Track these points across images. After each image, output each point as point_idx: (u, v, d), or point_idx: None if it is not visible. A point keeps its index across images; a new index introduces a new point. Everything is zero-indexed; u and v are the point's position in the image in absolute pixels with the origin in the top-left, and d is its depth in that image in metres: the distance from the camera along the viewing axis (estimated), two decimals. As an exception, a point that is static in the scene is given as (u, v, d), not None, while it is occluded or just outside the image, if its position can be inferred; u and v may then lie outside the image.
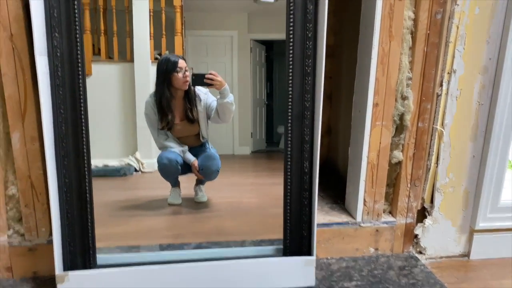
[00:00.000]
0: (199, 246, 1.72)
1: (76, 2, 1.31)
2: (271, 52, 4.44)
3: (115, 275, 1.42)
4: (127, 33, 3.10)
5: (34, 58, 1.28)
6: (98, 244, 1.47)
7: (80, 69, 1.34)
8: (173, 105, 2.27)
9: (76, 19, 1.32)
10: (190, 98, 2.29)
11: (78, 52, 1.33)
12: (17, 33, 1.36)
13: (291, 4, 1.40)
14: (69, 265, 1.41)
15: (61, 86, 1.33)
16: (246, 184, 3.00)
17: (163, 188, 2.46)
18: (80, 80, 1.35)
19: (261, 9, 3.51)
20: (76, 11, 1.31)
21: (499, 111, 1.66)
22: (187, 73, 2.21)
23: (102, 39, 3.13)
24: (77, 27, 1.32)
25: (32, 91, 1.41)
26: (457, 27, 1.60)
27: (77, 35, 1.32)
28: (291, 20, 1.41)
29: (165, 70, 2.19)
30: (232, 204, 2.47)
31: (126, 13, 3.05)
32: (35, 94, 1.40)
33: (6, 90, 1.39)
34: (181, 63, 2.19)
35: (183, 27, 3.09)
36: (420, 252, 1.85)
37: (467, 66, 1.65)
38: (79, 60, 1.34)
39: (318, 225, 1.69)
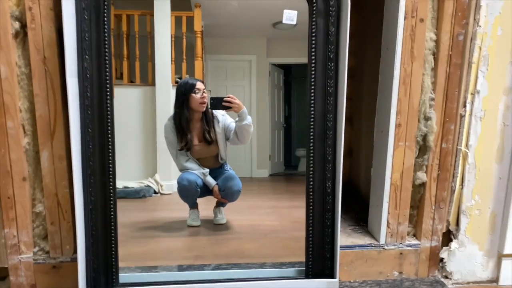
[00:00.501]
0: (218, 268, 1.71)
1: (106, 26, 1.36)
2: (289, 76, 4.49)
3: (137, 295, 1.42)
4: (149, 58, 3.19)
5: (65, 80, 1.33)
6: (119, 265, 1.48)
7: (108, 90, 1.38)
8: (191, 126, 2.32)
9: (106, 42, 1.37)
10: (208, 120, 2.34)
11: (107, 73, 1.37)
12: (50, 56, 1.42)
13: (313, 27, 1.43)
14: (92, 283, 1.42)
15: (90, 106, 1.37)
16: (266, 207, 2.99)
17: (182, 210, 2.47)
18: (108, 101, 1.39)
19: (280, 34, 3.58)
20: (106, 34, 1.36)
21: (525, 132, 1.64)
22: (204, 95, 2.26)
23: (125, 63, 3.22)
24: (106, 50, 1.37)
25: (61, 112, 1.45)
26: (480, 48, 1.60)
27: (106, 58, 1.37)
28: (313, 42, 1.44)
29: (184, 92, 2.25)
30: (252, 227, 2.46)
31: (148, 38, 3.15)
32: (64, 115, 1.45)
33: (38, 111, 1.44)
34: (199, 85, 2.26)
35: (203, 52, 3.17)
36: (446, 277, 1.79)
37: (491, 86, 1.64)
38: (108, 82, 1.38)
39: (341, 247, 1.66)
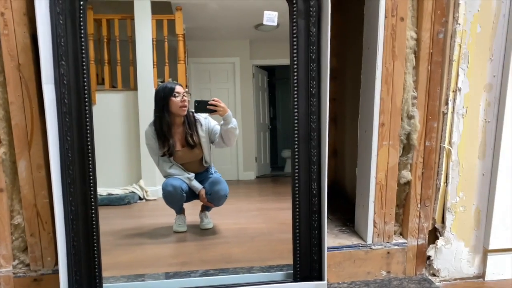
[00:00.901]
0: (206, 274, 1.69)
1: (82, 31, 1.33)
2: (273, 77, 4.49)
3: (122, 305, 1.39)
4: (130, 62, 3.15)
5: (41, 87, 1.29)
6: (103, 274, 1.44)
7: (86, 96, 1.35)
8: (173, 131, 2.28)
9: (83, 47, 1.33)
10: (190, 123, 2.30)
11: (85, 79, 1.34)
12: (25, 62, 1.38)
13: (294, 28, 1.42)
14: (75, 296, 1.38)
15: (67, 113, 1.33)
16: (252, 209, 2.97)
17: (167, 216, 2.44)
18: (87, 107, 1.35)
19: (262, 36, 3.57)
20: (82, 40, 1.33)
21: (506, 128, 1.65)
22: (185, 98, 2.22)
23: (106, 68, 3.18)
24: (84, 55, 1.34)
25: (38, 119, 1.41)
26: (460, 46, 1.61)
27: (84, 63, 1.34)
28: (295, 43, 1.43)
29: (163, 96, 2.22)
30: (239, 230, 2.44)
31: (129, 42, 3.11)
32: (42, 122, 1.41)
33: (14, 119, 1.40)
34: (178, 88, 2.22)
35: (186, 55, 3.14)
36: (434, 274, 1.80)
37: (472, 84, 1.65)
38: (86, 88, 1.34)
39: (328, 248, 1.65)
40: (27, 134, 1.41)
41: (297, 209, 1.51)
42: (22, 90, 1.39)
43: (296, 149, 1.48)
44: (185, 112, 2.26)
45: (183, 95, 2.22)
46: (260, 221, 2.66)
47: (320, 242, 1.52)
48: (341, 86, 2.61)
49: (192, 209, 2.47)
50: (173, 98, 2.20)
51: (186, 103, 2.24)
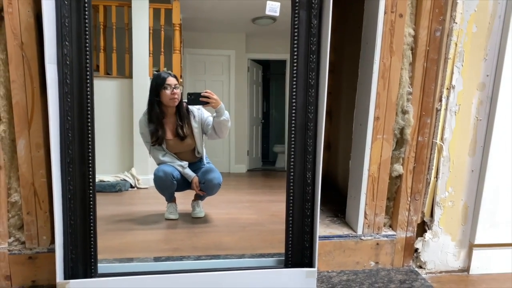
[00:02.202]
0: (198, 259, 1.71)
1: (87, 12, 1.34)
2: (267, 72, 4.50)
3: (116, 284, 1.41)
4: (126, 50, 3.14)
5: (43, 66, 1.30)
6: (97, 256, 1.46)
7: (88, 77, 1.36)
8: (164, 121, 2.29)
9: (87, 28, 1.34)
10: (181, 115, 2.31)
11: (88, 60, 1.35)
12: (28, 41, 1.38)
13: (296, 19, 1.44)
14: (70, 274, 1.40)
15: (69, 93, 1.34)
16: (243, 201, 2.99)
17: (159, 204, 2.45)
18: (88, 88, 1.36)
19: (259, 30, 3.57)
20: (86, 21, 1.34)
21: (497, 127, 1.70)
22: (175, 91, 2.22)
23: (102, 55, 3.16)
24: (87, 37, 1.35)
25: (39, 99, 1.42)
26: (456, 45, 1.65)
27: (87, 44, 1.35)
28: (296, 34, 1.45)
29: (155, 86, 2.22)
30: (230, 220, 2.46)
31: (126, 30, 3.10)
32: (42, 102, 1.42)
33: (14, 97, 1.40)
34: (170, 80, 2.22)
35: (182, 45, 3.14)
36: (420, 267, 1.85)
37: (466, 82, 1.69)
38: (88, 69, 1.36)
39: (319, 237, 1.69)
40: (28, 113, 1.42)
41: (291, 197, 1.54)
42: (24, 69, 1.39)
43: (293, 139, 1.51)
44: (176, 103, 2.25)
45: (174, 88, 2.22)
46: (251, 212, 2.68)
47: (312, 230, 1.55)
48: (338, 80, 2.64)
49: (184, 198, 2.48)
50: (164, 90, 2.20)
51: (176, 96, 2.23)
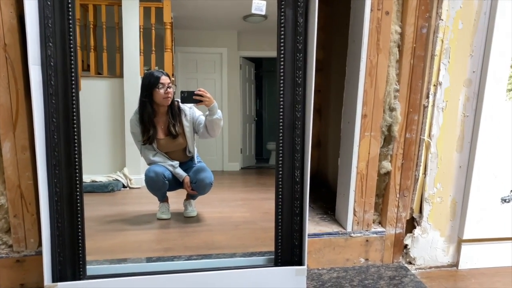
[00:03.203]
0: (189, 259, 1.71)
1: (70, 13, 1.33)
2: (260, 69, 4.49)
3: (105, 285, 1.40)
4: (116, 49, 3.12)
5: (27, 68, 1.28)
6: (86, 258, 1.45)
7: (73, 78, 1.35)
8: (156, 120, 2.27)
9: (71, 29, 1.33)
10: (173, 114, 2.30)
11: (72, 61, 1.34)
12: (11, 43, 1.37)
13: (282, 17, 1.44)
14: (58, 276, 1.39)
15: (54, 95, 1.33)
16: (236, 199, 2.99)
17: (151, 204, 2.44)
18: (73, 90, 1.35)
19: (250, 27, 3.56)
20: (70, 21, 1.33)
21: (483, 123, 1.71)
22: (169, 90, 2.21)
23: (92, 55, 3.14)
24: (71, 37, 1.34)
25: (24, 101, 1.41)
26: (442, 41, 1.66)
27: (71, 45, 1.34)
28: (282, 32, 1.45)
29: (147, 85, 2.21)
30: (223, 219, 2.46)
31: (116, 29, 3.08)
32: (27, 104, 1.41)
33: (-2, 99, 1.39)
34: (164, 79, 2.20)
35: (173, 44, 3.12)
36: (410, 262, 1.86)
37: (452, 78, 1.70)
38: (73, 70, 1.35)
39: (309, 235, 1.69)
40: (12, 115, 1.41)
41: (280, 196, 1.54)
42: (7, 71, 1.38)
43: (281, 137, 1.51)
44: (169, 103, 2.25)
45: (167, 87, 2.21)
46: (244, 210, 2.68)
47: (302, 228, 1.55)
48: (326, 78, 2.65)
49: (176, 197, 2.47)
50: (157, 89, 2.19)
51: (170, 95, 2.22)
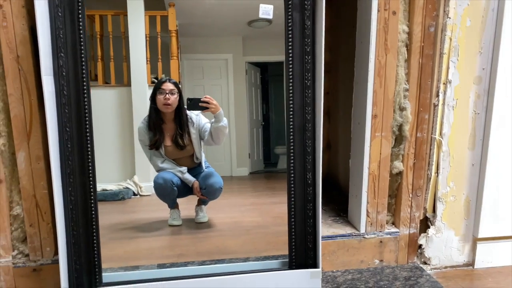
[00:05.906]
0: (202, 265, 1.71)
1: (81, 23, 1.35)
2: (266, 74, 4.50)
3: (121, 293, 1.41)
4: (123, 58, 3.15)
5: (40, 79, 1.31)
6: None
7: (85, 88, 1.37)
8: (164, 126, 2.28)
9: (82, 39, 1.35)
10: (182, 123, 2.29)
11: (84, 71, 1.36)
12: (23, 54, 1.39)
13: (289, 21, 1.45)
14: (75, 284, 1.40)
15: (67, 105, 1.35)
16: (247, 204, 2.99)
17: (162, 211, 2.45)
18: (86, 99, 1.37)
19: (255, 33, 3.58)
20: (81, 32, 1.35)
21: (495, 119, 1.70)
22: (168, 96, 2.20)
23: (99, 64, 3.17)
24: (82, 47, 1.36)
25: (37, 111, 1.43)
26: (450, 39, 1.66)
27: (82, 55, 1.36)
28: (290, 36, 1.46)
29: (153, 90, 2.22)
30: (234, 224, 2.46)
31: (122, 38, 3.11)
32: (41, 114, 1.43)
33: (12, 111, 1.41)
34: (165, 85, 2.19)
35: (179, 51, 3.14)
36: (425, 263, 1.85)
37: (462, 76, 1.69)
38: (84, 79, 1.36)
39: (322, 237, 1.69)
40: (26, 125, 1.43)
41: (293, 199, 1.54)
42: (21, 82, 1.40)
43: (292, 140, 1.51)
44: (168, 110, 2.22)
45: (168, 93, 2.20)
46: (254, 215, 2.68)
47: (315, 230, 1.55)
48: (335, 80, 2.65)
49: (186, 204, 2.48)
50: (158, 95, 2.20)
51: (170, 102, 2.21)
